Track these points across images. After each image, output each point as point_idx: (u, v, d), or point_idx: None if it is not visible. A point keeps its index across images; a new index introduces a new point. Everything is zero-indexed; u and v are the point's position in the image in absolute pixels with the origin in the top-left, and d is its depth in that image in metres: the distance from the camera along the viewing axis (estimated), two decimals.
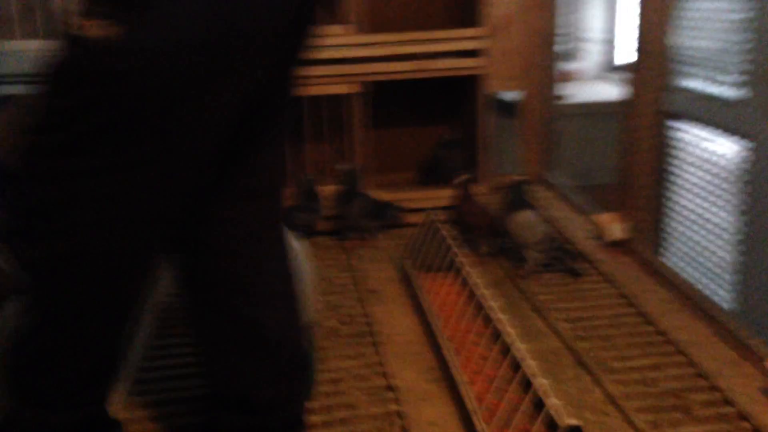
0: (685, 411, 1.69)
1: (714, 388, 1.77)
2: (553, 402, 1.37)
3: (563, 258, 2.43)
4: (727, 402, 1.72)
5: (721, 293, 2.56)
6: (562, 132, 3.58)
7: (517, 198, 2.48)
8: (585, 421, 1.66)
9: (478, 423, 1.58)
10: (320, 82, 2.78)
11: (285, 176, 1.46)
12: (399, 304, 2.27)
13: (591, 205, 2.96)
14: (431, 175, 3.08)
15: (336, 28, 2.81)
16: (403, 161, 3.26)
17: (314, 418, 1.68)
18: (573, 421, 1.28)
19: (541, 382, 1.44)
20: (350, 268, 2.53)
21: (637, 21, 2.54)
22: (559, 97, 4.38)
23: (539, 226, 2.44)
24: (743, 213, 2.26)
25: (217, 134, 1.22)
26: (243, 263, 1.38)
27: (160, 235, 1.27)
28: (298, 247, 1.75)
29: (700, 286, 2.45)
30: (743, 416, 1.66)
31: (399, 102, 3.19)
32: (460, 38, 2.83)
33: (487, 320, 1.86)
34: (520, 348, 1.58)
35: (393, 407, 1.72)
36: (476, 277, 1.97)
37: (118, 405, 1.71)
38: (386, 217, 2.71)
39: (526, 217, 2.43)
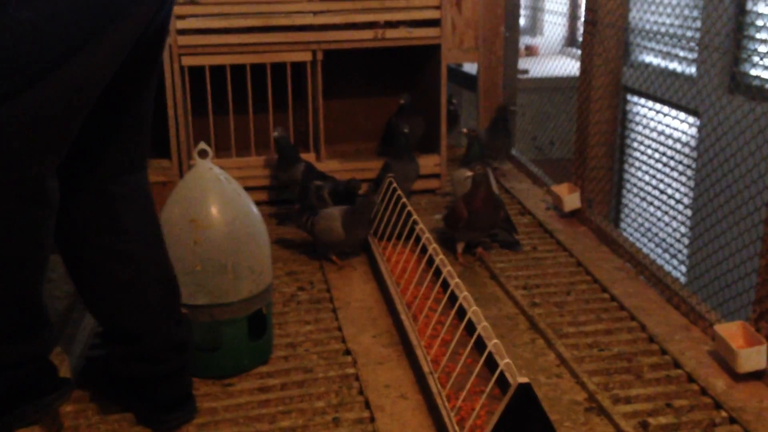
0: (635, 373, 1.74)
1: (664, 352, 1.82)
2: (505, 362, 1.40)
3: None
4: (677, 365, 1.77)
5: (675, 263, 2.63)
6: (525, 106, 3.61)
7: (470, 154, 2.52)
8: (538, 383, 1.70)
9: (434, 385, 1.60)
10: (276, 50, 2.75)
11: (146, 125, 1.53)
12: (358, 271, 2.28)
13: (550, 177, 3.00)
14: (387, 144, 3.04)
15: None
16: (357, 132, 3.25)
17: (272, 381, 1.69)
18: (524, 379, 1.30)
19: (495, 344, 1.47)
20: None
21: None
22: (523, 71, 4.41)
23: (466, 184, 2.46)
24: (694, 187, 2.31)
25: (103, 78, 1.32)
26: (112, 202, 1.47)
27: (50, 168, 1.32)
28: (257, 212, 1.75)
29: (654, 256, 2.51)
30: (691, 378, 1.71)
31: (353, 72, 3.17)
32: (419, 7, 2.81)
33: (445, 286, 1.88)
34: (476, 312, 1.60)
35: (350, 370, 1.74)
36: (435, 243, 1.98)
37: (68, 369, 1.70)
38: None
39: (462, 173, 2.45)
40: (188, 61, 2.70)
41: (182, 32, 2.67)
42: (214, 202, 1.66)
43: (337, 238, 2.26)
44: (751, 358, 1.69)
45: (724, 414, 1.59)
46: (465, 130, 2.74)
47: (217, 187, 1.68)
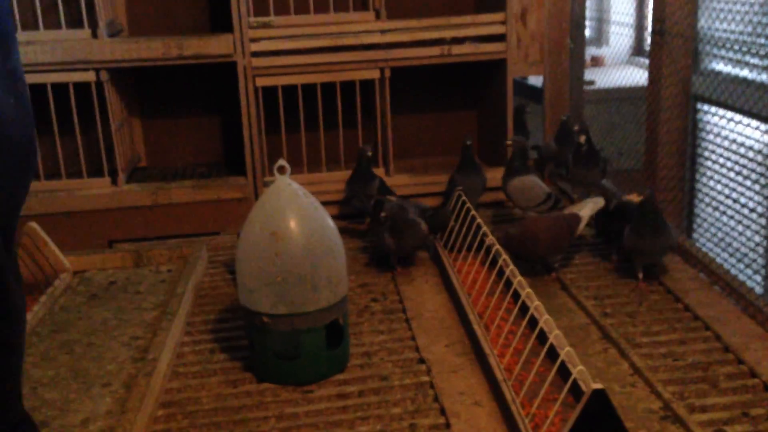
0: (711, 383, 1.73)
1: (740, 362, 1.80)
2: (578, 369, 1.42)
3: None
4: (753, 374, 1.75)
5: (749, 272, 2.59)
6: (592, 117, 3.60)
7: (518, 163, 2.55)
8: (612, 392, 1.71)
9: (508, 392, 1.63)
10: (345, 68, 2.83)
11: None
12: (430, 283, 2.32)
13: (618, 187, 2.99)
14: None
15: (360, 15, 2.86)
16: (425, 147, 3.30)
17: (349, 389, 1.75)
18: (598, 385, 1.32)
19: (568, 351, 1.49)
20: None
21: (660, 3, 2.56)
22: (589, 82, 4.40)
23: (537, 189, 2.49)
24: None
25: None
26: None
27: None
28: (333, 226, 1.81)
29: (728, 266, 2.48)
30: None
31: (420, 89, 3.22)
32: (484, 23, 2.86)
33: (516, 296, 1.91)
34: (549, 320, 1.63)
35: (425, 378, 1.78)
36: (505, 254, 2.01)
37: (159, 376, 1.79)
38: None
39: (524, 181, 2.49)
40: (262, 81, 2.81)
41: (256, 54, 2.78)
42: (293, 216, 1.73)
43: (387, 248, 2.34)
44: None
45: None
46: (508, 142, 2.73)
47: (295, 201, 1.76)
